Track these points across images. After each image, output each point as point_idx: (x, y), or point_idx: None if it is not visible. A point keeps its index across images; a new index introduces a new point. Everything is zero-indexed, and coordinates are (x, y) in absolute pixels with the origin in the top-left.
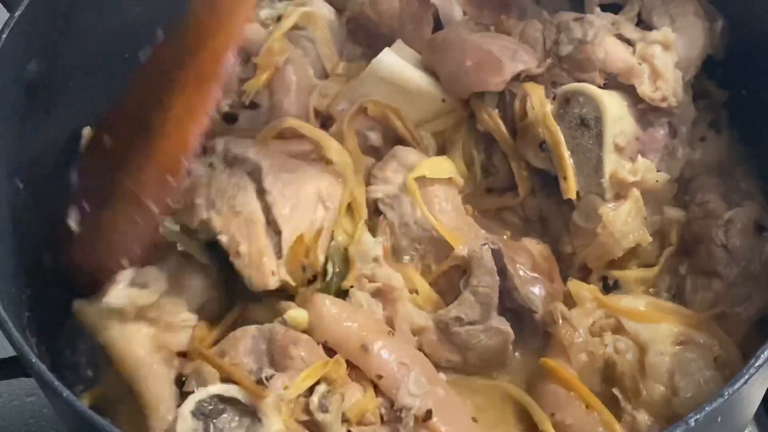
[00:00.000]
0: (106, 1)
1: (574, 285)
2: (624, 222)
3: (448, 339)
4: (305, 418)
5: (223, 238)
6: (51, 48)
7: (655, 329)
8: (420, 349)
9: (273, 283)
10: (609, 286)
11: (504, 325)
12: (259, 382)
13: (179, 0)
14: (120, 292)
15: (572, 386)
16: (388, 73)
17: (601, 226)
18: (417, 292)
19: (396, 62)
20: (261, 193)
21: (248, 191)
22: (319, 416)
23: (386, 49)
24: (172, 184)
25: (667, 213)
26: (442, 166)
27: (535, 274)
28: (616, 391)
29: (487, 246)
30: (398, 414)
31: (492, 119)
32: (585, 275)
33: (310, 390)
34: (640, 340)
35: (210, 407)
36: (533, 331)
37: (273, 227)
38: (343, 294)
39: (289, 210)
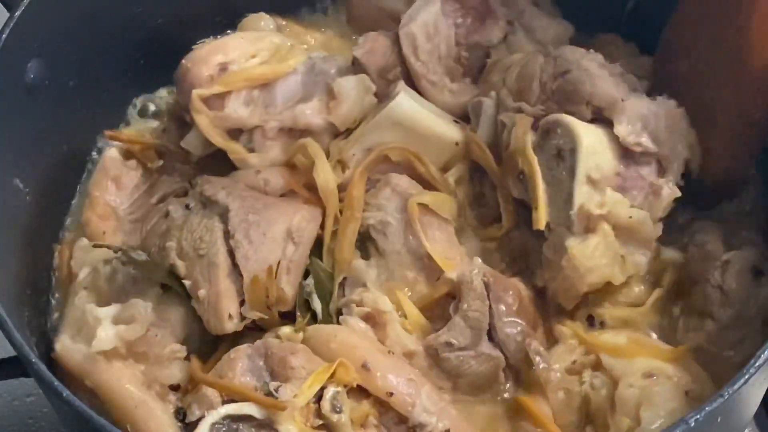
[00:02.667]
0: (106, 0)
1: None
2: (589, 256)
3: (438, 365)
4: (318, 422)
5: (187, 283)
6: (51, 48)
7: (630, 363)
8: None
9: (231, 327)
10: (594, 325)
11: (495, 351)
12: (269, 395)
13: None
14: (107, 332)
15: (541, 423)
16: (405, 117)
17: (566, 258)
18: (405, 317)
19: (412, 106)
20: (227, 235)
21: (215, 233)
22: (334, 417)
23: (402, 93)
24: None
25: (664, 254)
26: (444, 203)
27: (517, 318)
28: (588, 429)
29: (477, 271)
30: (412, 431)
31: (481, 150)
32: (570, 314)
33: (317, 396)
34: (613, 374)
35: (224, 429)
36: (507, 370)
37: (238, 271)
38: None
39: (252, 253)
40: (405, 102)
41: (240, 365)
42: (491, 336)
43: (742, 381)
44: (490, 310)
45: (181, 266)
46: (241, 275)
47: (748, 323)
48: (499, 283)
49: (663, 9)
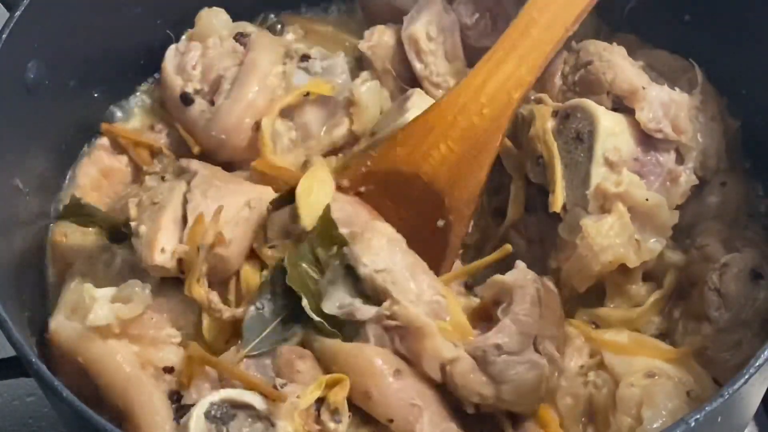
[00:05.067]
0: (106, 0)
1: None
2: (604, 235)
3: (483, 369)
4: (316, 428)
5: (133, 224)
6: (51, 48)
7: (630, 362)
8: (450, 380)
9: (160, 260)
10: (598, 326)
11: (542, 359)
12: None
13: (180, 0)
14: (103, 309)
15: (548, 427)
16: None
17: (580, 237)
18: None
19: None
20: (187, 193)
21: (175, 192)
22: (331, 426)
23: (412, 105)
24: None
25: (666, 255)
26: None
27: (553, 332)
28: (590, 428)
29: (533, 278)
30: None
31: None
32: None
33: (318, 401)
34: (615, 373)
35: (221, 411)
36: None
37: (185, 221)
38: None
39: (204, 207)
40: (418, 100)
41: (246, 361)
42: (535, 345)
43: (742, 381)
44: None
45: (133, 211)
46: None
47: (746, 326)
48: (549, 293)
49: (662, 7)
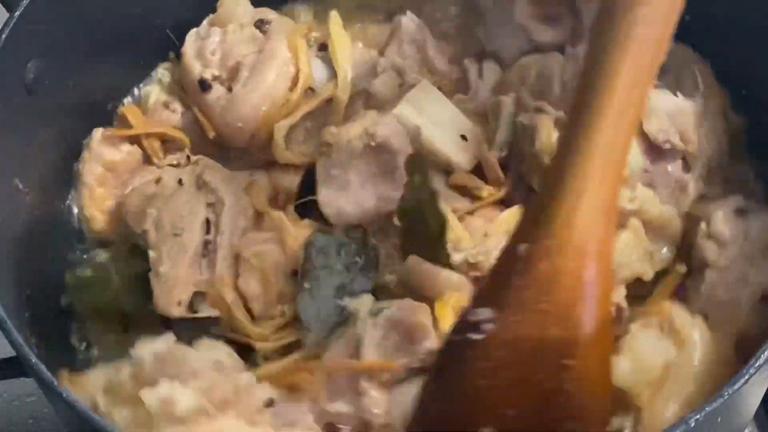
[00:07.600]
0: (106, 1)
1: None
2: (620, 252)
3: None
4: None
5: (152, 254)
6: (51, 48)
7: None
8: None
9: (176, 313)
10: None
11: None
12: None
13: (180, 0)
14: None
15: None
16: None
17: None
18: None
19: (412, 120)
20: (215, 226)
21: (197, 218)
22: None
23: (404, 102)
24: None
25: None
26: None
27: None
28: None
29: None
30: None
31: (494, 171)
32: None
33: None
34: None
35: None
36: None
37: (206, 260)
38: None
39: (229, 261)
40: (404, 112)
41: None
42: None
43: (742, 381)
44: None
45: (152, 236)
46: (207, 265)
47: (747, 259)
48: None
49: None
